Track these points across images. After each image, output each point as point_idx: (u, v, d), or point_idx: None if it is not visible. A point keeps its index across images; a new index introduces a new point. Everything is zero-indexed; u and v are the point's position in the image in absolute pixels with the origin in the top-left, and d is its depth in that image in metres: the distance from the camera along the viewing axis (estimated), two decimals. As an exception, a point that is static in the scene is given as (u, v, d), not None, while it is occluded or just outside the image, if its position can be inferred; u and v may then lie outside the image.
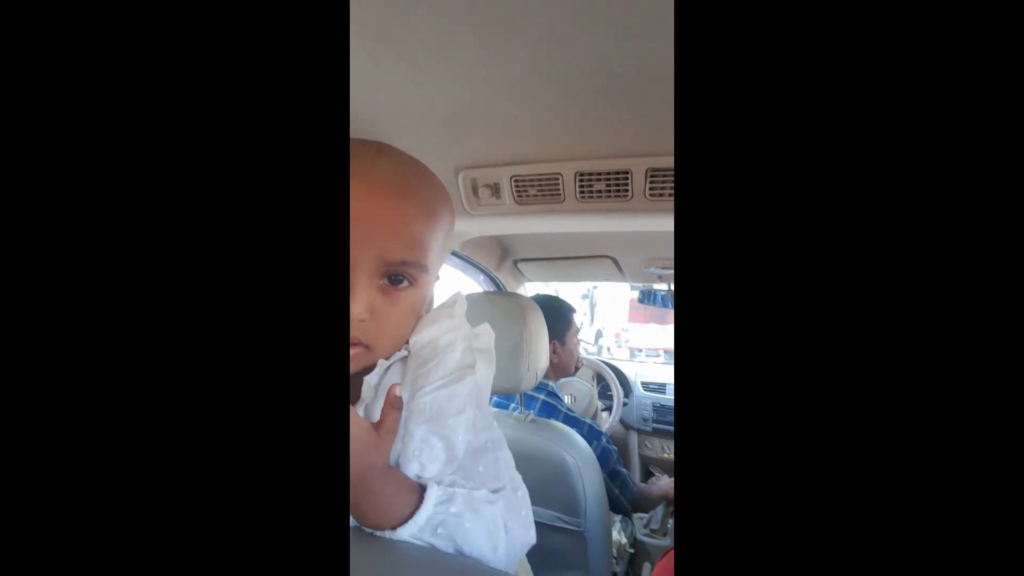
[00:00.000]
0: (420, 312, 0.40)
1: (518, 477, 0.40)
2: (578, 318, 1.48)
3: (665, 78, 0.53)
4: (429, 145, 0.72)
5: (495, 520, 0.34)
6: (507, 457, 0.40)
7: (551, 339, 1.21)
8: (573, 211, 0.80)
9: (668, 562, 0.55)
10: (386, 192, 0.34)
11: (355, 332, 0.34)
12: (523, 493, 0.39)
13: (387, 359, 0.38)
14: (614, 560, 1.17)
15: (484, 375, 0.46)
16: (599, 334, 2.95)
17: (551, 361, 1.22)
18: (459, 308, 0.43)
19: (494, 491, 0.36)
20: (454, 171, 0.78)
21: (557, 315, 1.26)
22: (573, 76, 0.53)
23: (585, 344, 2.52)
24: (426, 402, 0.36)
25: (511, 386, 0.91)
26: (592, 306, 3.28)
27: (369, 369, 0.37)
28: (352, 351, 0.34)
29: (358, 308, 0.32)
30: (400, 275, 0.35)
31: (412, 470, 0.34)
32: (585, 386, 1.74)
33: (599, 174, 0.72)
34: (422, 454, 0.34)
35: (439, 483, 0.34)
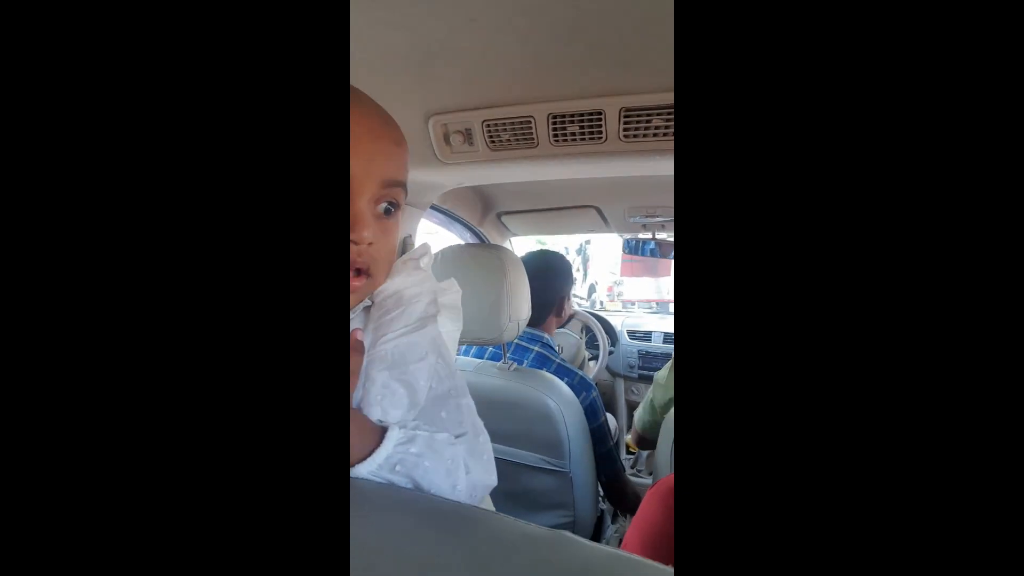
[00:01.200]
0: (397, 240, 0.39)
1: (480, 423, 0.41)
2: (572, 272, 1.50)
3: (636, 7, 0.50)
4: (396, 89, 0.69)
5: (455, 460, 0.35)
6: (469, 404, 0.41)
7: (561, 296, 1.23)
8: (548, 156, 0.78)
9: (655, 492, 0.57)
10: (377, 116, 0.35)
11: (363, 257, 0.34)
12: (485, 439, 0.40)
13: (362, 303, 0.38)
14: (600, 498, 1.22)
15: (450, 331, 0.47)
16: (592, 288, 2.93)
17: (555, 316, 1.24)
18: (426, 260, 0.43)
19: (457, 436, 0.37)
20: (424, 117, 0.76)
21: (567, 272, 1.26)
22: (536, 6, 0.50)
23: (579, 299, 2.52)
24: (388, 349, 0.36)
25: (493, 337, 0.92)
26: (585, 260, 3.24)
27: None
28: (355, 281, 0.35)
29: (366, 231, 0.33)
30: (391, 202, 0.36)
31: (374, 415, 0.35)
32: (573, 337, 1.76)
33: (572, 116, 0.70)
34: (384, 399, 0.35)
35: (402, 427, 0.34)
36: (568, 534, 0.23)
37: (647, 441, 1.22)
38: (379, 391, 0.35)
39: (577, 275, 3.14)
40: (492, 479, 0.39)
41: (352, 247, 0.33)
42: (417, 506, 0.26)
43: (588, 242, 3.23)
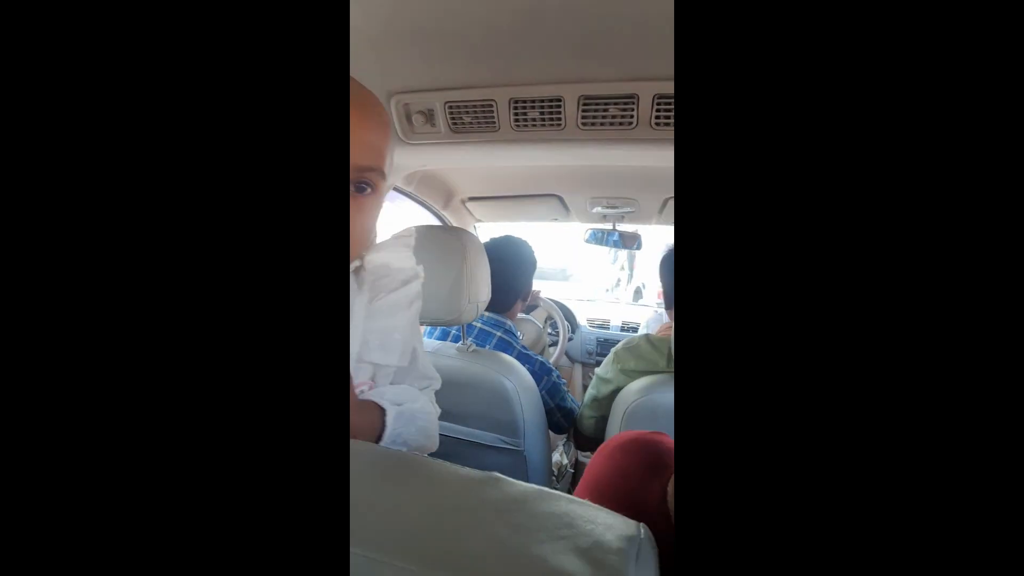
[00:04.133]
0: (377, 218, 0.44)
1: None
2: (616, 272, 1.46)
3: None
4: (358, 66, 0.69)
5: (428, 415, 0.46)
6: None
7: (526, 284, 1.24)
8: (509, 140, 0.80)
9: (602, 448, 0.60)
10: (355, 108, 0.38)
11: None
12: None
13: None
14: (554, 478, 1.26)
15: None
16: (638, 292, 2.54)
17: (520, 302, 1.26)
18: (413, 240, 0.50)
19: (424, 388, 0.48)
20: (386, 96, 0.76)
21: (532, 260, 1.28)
22: None
23: (625, 302, 2.34)
24: (385, 304, 0.45)
25: (452, 318, 0.93)
26: (631, 259, 2.75)
27: None
28: None
29: None
30: (364, 182, 0.39)
31: (376, 358, 0.43)
32: (535, 323, 1.80)
33: (532, 101, 0.72)
34: (384, 345, 0.44)
35: (395, 405, 0.44)
36: (500, 475, 0.26)
37: (590, 441, 1.20)
38: (379, 338, 0.43)
39: (622, 274, 2.79)
40: (438, 409, 0.50)
41: None
42: (359, 454, 0.28)
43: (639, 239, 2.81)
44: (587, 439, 1.21)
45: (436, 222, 1.53)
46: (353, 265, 0.45)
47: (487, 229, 1.84)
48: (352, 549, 0.20)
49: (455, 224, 1.58)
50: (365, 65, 0.68)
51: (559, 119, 0.74)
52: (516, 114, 0.74)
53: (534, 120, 0.75)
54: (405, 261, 0.48)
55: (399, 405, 0.44)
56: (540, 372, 1.14)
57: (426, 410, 0.47)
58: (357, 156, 0.38)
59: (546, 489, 0.25)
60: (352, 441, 0.32)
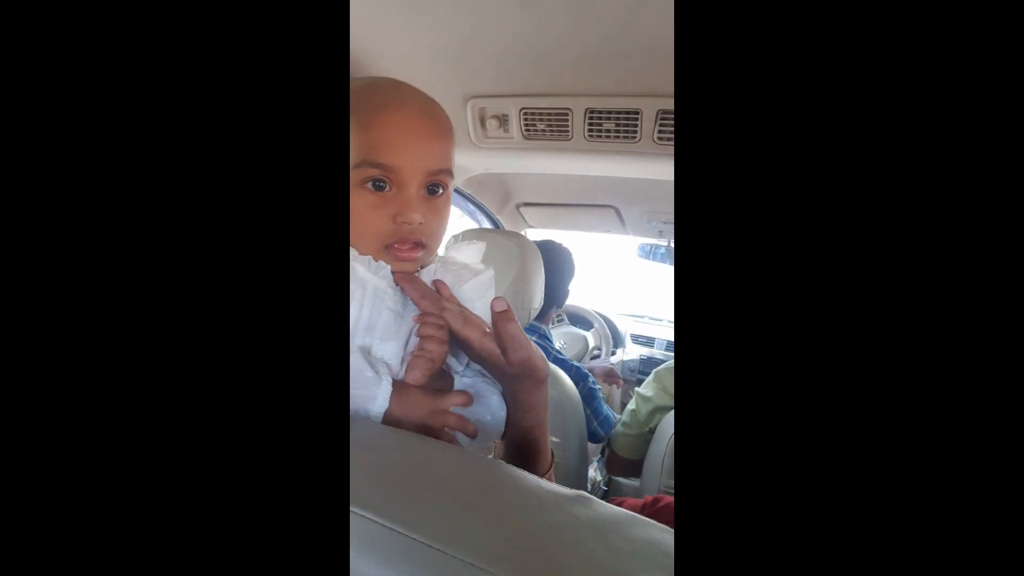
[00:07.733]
0: (448, 216, 0.46)
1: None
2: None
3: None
4: (437, 72, 0.70)
5: (498, 406, 0.45)
6: None
7: (565, 289, 1.24)
8: (580, 150, 0.79)
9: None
10: (420, 115, 0.41)
11: (416, 234, 0.41)
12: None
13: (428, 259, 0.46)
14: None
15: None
16: None
17: (553, 310, 1.25)
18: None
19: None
20: (463, 100, 0.77)
21: (571, 265, 1.27)
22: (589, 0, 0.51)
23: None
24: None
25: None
26: None
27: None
28: (414, 253, 0.42)
29: (416, 215, 0.40)
30: (437, 184, 0.42)
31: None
32: (576, 333, 1.78)
33: (608, 112, 0.71)
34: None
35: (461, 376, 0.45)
36: (586, 494, 0.25)
37: (632, 464, 1.16)
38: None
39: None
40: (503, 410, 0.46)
41: (406, 227, 0.40)
42: (446, 454, 0.28)
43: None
44: (622, 461, 1.18)
45: (469, 225, 1.54)
46: (430, 259, 0.47)
47: (537, 236, 1.85)
48: (451, 551, 0.19)
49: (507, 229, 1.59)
50: (444, 69, 0.70)
51: (635, 132, 0.73)
52: (591, 124, 0.74)
53: (608, 131, 0.74)
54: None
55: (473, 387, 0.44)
56: (576, 378, 1.12)
57: (495, 404, 0.46)
58: (431, 162, 0.40)
59: (634, 514, 0.24)
60: (440, 443, 0.32)
